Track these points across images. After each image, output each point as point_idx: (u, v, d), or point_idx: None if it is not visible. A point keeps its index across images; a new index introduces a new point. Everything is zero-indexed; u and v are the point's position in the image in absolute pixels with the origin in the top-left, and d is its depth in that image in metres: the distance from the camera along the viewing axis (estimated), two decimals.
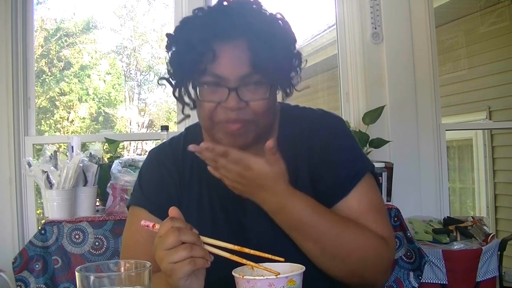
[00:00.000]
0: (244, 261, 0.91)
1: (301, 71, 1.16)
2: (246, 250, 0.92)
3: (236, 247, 0.92)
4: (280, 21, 1.11)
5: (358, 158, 1.17)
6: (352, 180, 1.11)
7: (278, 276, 0.85)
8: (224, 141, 1.09)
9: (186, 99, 1.16)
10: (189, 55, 1.06)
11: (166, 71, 1.15)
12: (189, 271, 0.88)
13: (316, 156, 1.14)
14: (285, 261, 0.91)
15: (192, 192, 1.17)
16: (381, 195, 1.20)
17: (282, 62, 1.09)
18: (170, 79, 1.15)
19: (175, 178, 1.19)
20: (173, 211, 0.94)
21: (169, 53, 1.12)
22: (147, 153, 1.31)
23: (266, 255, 0.91)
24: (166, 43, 1.13)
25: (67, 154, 2.37)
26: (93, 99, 6.74)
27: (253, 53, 1.04)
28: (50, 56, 6.25)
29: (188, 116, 1.21)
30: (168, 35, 1.13)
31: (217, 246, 0.92)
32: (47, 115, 6.43)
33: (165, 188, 1.18)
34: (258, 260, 0.91)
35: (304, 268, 0.88)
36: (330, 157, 1.13)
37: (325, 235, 1.03)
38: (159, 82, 1.16)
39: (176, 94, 1.15)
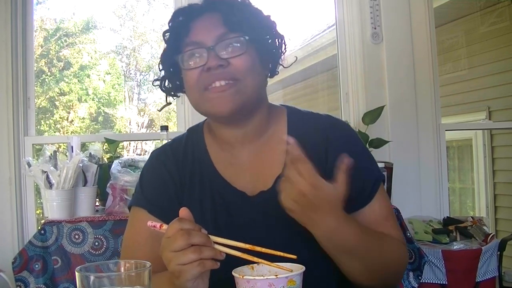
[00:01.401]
0: (255, 259, 0.90)
1: (285, 49, 1.21)
2: (258, 248, 0.91)
3: (247, 246, 0.91)
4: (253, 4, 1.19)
5: (375, 166, 1.20)
6: (375, 186, 1.14)
7: (278, 276, 0.85)
8: (213, 108, 1.11)
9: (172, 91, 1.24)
10: (170, 38, 1.16)
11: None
12: (197, 273, 0.88)
13: (331, 157, 1.12)
14: (297, 259, 0.90)
15: (193, 193, 1.17)
16: None
17: (254, 21, 1.14)
18: (161, 75, 1.23)
19: (176, 179, 1.18)
20: (183, 211, 0.94)
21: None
22: (149, 154, 1.32)
23: (278, 253, 0.91)
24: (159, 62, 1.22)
25: (67, 154, 2.37)
26: (93, 99, 6.74)
27: (224, 16, 1.11)
28: (49, 56, 6.24)
29: (169, 103, 1.30)
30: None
31: (228, 245, 0.92)
32: (47, 115, 6.42)
33: (166, 189, 1.18)
34: (270, 258, 0.91)
35: (304, 268, 0.88)
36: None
37: (370, 255, 1.04)
38: (153, 84, 1.23)
39: (164, 85, 1.22)
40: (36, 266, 2.17)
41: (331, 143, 1.15)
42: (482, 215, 4.81)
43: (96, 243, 2.23)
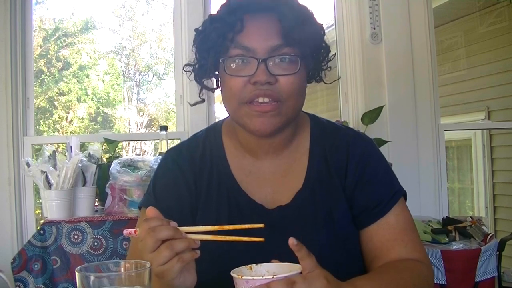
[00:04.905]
0: (227, 238, 0.91)
1: (329, 62, 1.15)
2: (226, 227, 0.92)
3: (216, 227, 0.92)
4: (308, 7, 1.11)
5: (394, 180, 1.19)
6: (392, 200, 1.12)
7: (275, 276, 0.85)
8: (251, 125, 1.05)
9: (207, 84, 1.15)
10: (217, 27, 1.05)
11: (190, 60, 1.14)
12: (179, 268, 0.87)
13: (350, 173, 1.13)
14: (264, 227, 0.93)
15: (210, 201, 1.13)
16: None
17: (311, 38, 1.07)
18: (194, 63, 1.13)
19: (190, 183, 1.15)
20: (150, 211, 0.92)
21: (196, 40, 1.11)
22: (164, 152, 1.27)
23: (246, 226, 0.92)
24: (194, 38, 1.12)
25: (66, 154, 2.37)
26: (92, 99, 6.74)
27: (283, 25, 1.03)
28: (49, 56, 6.25)
29: (202, 100, 1.18)
30: (196, 29, 1.12)
31: (198, 233, 0.91)
32: (46, 115, 6.43)
33: (179, 196, 1.14)
34: (239, 233, 0.91)
35: (301, 268, 0.88)
36: (368, 176, 1.14)
37: None
38: (184, 69, 1.14)
39: (198, 77, 1.13)
40: (35, 266, 2.17)
41: (351, 158, 1.14)
42: (481, 215, 4.81)
43: (96, 243, 2.23)
